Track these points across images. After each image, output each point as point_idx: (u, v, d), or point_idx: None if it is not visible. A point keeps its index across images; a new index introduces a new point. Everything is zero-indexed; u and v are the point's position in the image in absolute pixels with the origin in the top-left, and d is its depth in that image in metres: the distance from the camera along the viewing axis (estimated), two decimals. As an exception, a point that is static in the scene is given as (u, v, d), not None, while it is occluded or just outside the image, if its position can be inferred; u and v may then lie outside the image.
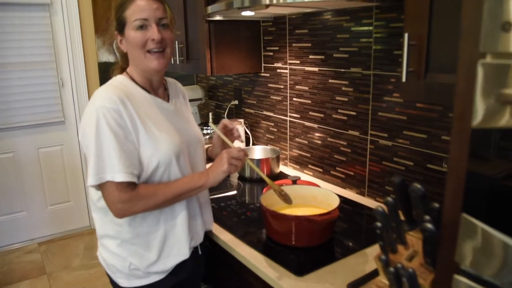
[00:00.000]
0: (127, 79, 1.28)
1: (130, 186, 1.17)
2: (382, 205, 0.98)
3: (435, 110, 1.46)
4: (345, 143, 1.84)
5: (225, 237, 1.45)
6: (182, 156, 1.28)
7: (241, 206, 1.71)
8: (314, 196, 1.54)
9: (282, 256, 1.33)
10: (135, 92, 1.27)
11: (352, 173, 1.84)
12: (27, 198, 3.30)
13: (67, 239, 3.41)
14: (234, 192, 1.89)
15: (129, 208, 1.19)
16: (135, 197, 1.18)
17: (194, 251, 1.37)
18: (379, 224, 0.90)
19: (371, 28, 1.63)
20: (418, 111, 1.52)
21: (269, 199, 1.48)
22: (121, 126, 1.17)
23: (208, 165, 1.44)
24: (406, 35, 1.09)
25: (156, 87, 1.34)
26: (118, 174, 1.15)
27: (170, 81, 1.45)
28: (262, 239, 1.44)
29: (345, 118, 1.82)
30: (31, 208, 3.34)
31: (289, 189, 1.52)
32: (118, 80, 1.28)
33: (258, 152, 2.18)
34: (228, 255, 1.41)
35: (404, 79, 1.11)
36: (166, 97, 1.37)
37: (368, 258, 1.31)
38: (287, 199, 1.43)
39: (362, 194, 1.81)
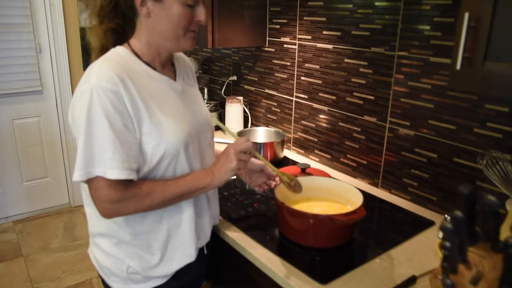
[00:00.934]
0: (129, 52, 1.08)
1: (123, 183, 1.00)
2: (442, 218, 0.84)
3: (468, 99, 1.32)
4: (359, 129, 1.70)
5: (234, 235, 1.30)
6: (191, 145, 1.11)
7: (246, 196, 1.55)
8: (332, 189, 1.40)
9: (299, 258, 1.19)
10: (138, 69, 1.07)
11: (365, 162, 1.70)
12: (0, 173, 3.06)
13: (44, 217, 3.20)
14: (235, 177, 1.73)
15: (119, 209, 1.02)
16: (127, 196, 1.01)
17: (200, 251, 1.22)
18: (448, 244, 0.77)
19: (399, 3, 1.46)
20: (448, 99, 1.38)
21: (284, 192, 1.33)
22: (120, 111, 0.99)
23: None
24: (466, 15, 0.93)
25: (164, 63, 1.15)
26: (110, 170, 0.97)
27: (177, 55, 1.25)
28: (275, 236, 1.30)
29: (361, 102, 1.67)
30: (5, 184, 3.10)
31: (302, 181, 1.37)
32: (118, 53, 1.07)
33: (261, 134, 2.01)
34: (238, 255, 1.27)
35: (459, 66, 0.96)
36: (173, 74, 1.18)
37: (393, 262, 1.19)
38: (296, 189, 1.29)
39: (375, 185, 1.68)
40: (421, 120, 1.46)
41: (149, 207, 1.05)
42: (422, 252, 1.24)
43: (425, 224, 1.40)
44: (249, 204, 1.49)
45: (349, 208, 1.35)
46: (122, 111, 0.99)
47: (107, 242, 1.12)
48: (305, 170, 1.65)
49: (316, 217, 1.19)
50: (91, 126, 0.97)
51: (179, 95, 1.15)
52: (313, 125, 1.91)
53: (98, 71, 1.00)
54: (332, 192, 1.40)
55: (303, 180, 1.39)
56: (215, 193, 1.31)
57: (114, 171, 0.97)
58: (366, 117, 1.66)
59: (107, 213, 1.03)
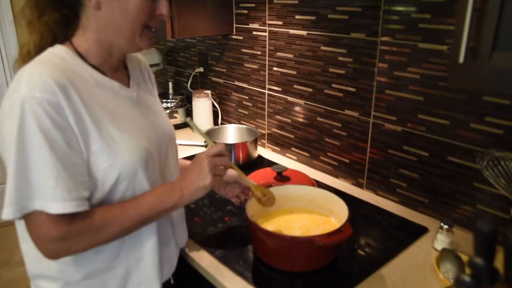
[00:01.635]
0: (71, 53, 0.87)
1: (70, 216, 0.81)
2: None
3: (464, 91, 1.16)
4: (339, 125, 1.53)
5: (203, 261, 1.11)
6: (151, 163, 0.92)
7: (216, 209, 1.37)
8: (312, 198, 1.23)
9: (278, 285, 1.03)
10: (84, 74, 0.87)
11: (347, 161, 1.54)
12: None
13: (6, 226, 2.95)
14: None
15: (67, 247, 0.83)
16: (76, 232, 0.82)
17: (166, 282, 1.04)
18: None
19: (381, -18, 1.27)
20: (441, 91, 1.21)
21: (256, 207, 1.15)
22: (61, 128, 0.79)
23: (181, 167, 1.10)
24: (471, -4, 0.75)
25: (115, 67, 0.94)
26: (53, 203, 0.78)
27: (131, 55, 1.04)
28: (249, 259, 1.12)
29: (340, 94, 1.49)
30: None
31: (280, 191, 1.20)
32: (58, 54, 0.86)
33: (232, 133, 1.82)
34: (208, 284, 1.09)
35: (462, 59, 0.78)
36: (127, 79, 0.98)
37: (385, 284, 1.03)
38: (268, 204, 1.15)
39: (360, 185, 1.52)
40: (409, 114, 1.30)
41: (105, 240, 0.87)
42: (417, 268, 1.09)
43: (418, 231, 1.25)
44: (219, 218, 1.31)
45: (333, 221, 1.18)
46: (64, 128, 0.79)
47: (52, 286, 0.93)
48: (281, 174, 1.47)
49: (295, 239, 1.02)
50: (25, 148, 0.76)
51: (135, 104, 0.95)
52: (289, 120, 1.73)
53: (30, 77, 0.78)
54: (313, 202, 1.23)
55: (280, 189, 1.22)
56: (182, 213, 1.12)
57: (58, 203, 0.78)
58: (347, 112, 1.48)
59: (51, 254, 0.83)
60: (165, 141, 1.01)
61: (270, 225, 1.16)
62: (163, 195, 0.91)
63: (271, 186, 1.24)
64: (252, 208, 1.14)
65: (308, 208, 1.23)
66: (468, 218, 1.23)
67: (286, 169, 1.47)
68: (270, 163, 1.73)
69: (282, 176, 1.48)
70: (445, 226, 1.14)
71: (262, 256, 1.10)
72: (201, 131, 1.09)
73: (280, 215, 1.22)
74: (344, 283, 1.04)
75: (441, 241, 1.15)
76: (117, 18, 0.85)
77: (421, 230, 1.26)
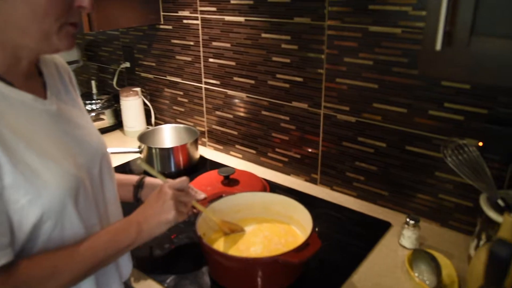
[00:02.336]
0: None
1: (3, 268, 0.63)
2: None
3: (421, 76, 1.08)
4: (287, 118, 1.41)
5: (151, 294, 0.95)
6: (82, 192, 0.74)
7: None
8: (268, 206, 1.11)
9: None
10: None
11: (298, 156, 1.43)
12: None
13: None
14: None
15: None
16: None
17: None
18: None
19: (325, -40, 1.15)
20: (396, 78, 1.13)
21: (209, 221, 1.01)
22: None
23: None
24: (447, -29, 0.65)
25: (26, 74, 0.74)
26: None
27: (45, 57, 0.83)
28: (205, 284, 0.97)
29: (286, 85, 1.37)
30: None
31: (230, 201, 1.07)
32: None
33: (168, 134, 1.64)
34: (160, 321, 0.93)
35: (439, 46, 0.68)
36: (42, 88, 0.77)
37: (360, 294, 0.94)
38: (235, 230, 1.01)
39: (314, 181, 1.42)
40: (364, 103, 1.21)
41: None
42: (388, 271, 1.01)
43: (381, 227, 1.18)
44: (165, 237, 1.14)
45: (295, 230, 1.07)
46: None
47: None
48: (229, 177, 1.33)
49: (257, 261, 0.88)
50: None
51: (55, 119, 0.76)
52: (230, 116, 1.58)
53: None
54: (270, 210, 1.10)
55: (231, 200, 1.09)
56: None
57: None
58: (295, 103, 1.37)
59: None
60: (97, 162, 0.82)
61: (225, 242, 1.02)
62: (118, 232, 0.78)
63: (221, 196, 1.10)
64: (202, 226, 0.99)
65: (265, 217, 1.11)
66: (430, 209, 1.18)
67: (233, 171, 1.33)
68: (214, 164, 1.58)
69: (230, 180, 1.34)
70: (411, 222, 1.07)
71: (220, 280, 0.96)
72: (157, 173, 0.94)
73: (236, 240, 1.08)
74: (315, 300, 0.93)
75: (408, 237, 1.08)
76: (19, 14, 0.65)
77: (384, 226, 1.18)
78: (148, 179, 1.03)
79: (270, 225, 1.08)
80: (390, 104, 1.16)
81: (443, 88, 1.06)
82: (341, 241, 1.12)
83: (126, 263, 0.94)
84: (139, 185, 1.02)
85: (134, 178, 1.03)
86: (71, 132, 0.78)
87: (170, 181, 0.86)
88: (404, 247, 1.09)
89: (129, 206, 0.93)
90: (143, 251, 1.09)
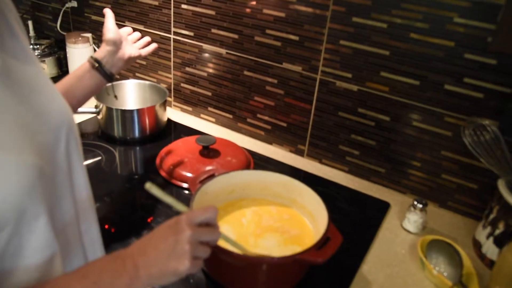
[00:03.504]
0: None
1: None
2: None
3: (443, 45, 0.97)
4: (274, 81, 1.24)
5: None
6: (45, 184, 0.53)
7: (131, 205, 1.02)
8: (267, 186, 0.97)
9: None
10: None
11: (284, 124, 1.28)
12: None
13: None
14: (103, 165, 1.16)
15: None
16: None
17: None
18: None
19: None
20: (412, 45, 1.00)
21: (201, 202, 0.85)
22: None
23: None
24: None
25: None
26: None
27: None
28: (199, 281, 0.83)
29: (278, 43, 1.19)
30: None
31: (221, 181, 0.92)
32: None
33: (130, 91, 1.40)
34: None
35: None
36: None
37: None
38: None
39: (300, 153, 1.29)
40: (370, 71, 1.08)
41: None
42: (398, 260, 0.92)
43: (380, 208, 1.09)
44: (140, 221, 0.97)
45: (297, 213, 0.94)
46: None
47: None
48: (208, 147, 1.16)
49: (271, 262, 0.74)
50: None
51: (1, 81, 0.52)
52: (204, 74, 1.38)
53: None
54: (268, 190, 0.97)
55: (223, 179, 0.93)
56: (96, 231, 0.74)
57: None
58: (286, 65, 1.20)
59: None
60: (62, 139, 0.60)
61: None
62: (103, 276, 0.54)
63: (213, 175, 0.93)
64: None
65: (263, 199, 0.97)
66: (430, 189, 1.11)
67: (214, 141, 1.16)
68: (183, 129, 1.39)
69: (210, 150, 1.17)
70: (419, 205, 0.99)
71: (217, 276, 0.81)
72: (173, 200, 0.65)
73: (228, 213, 0.93)
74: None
75: (414, 221, 1.00)
76: None
77: (383, 207, 1.10)
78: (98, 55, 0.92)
79: (268, 209, 0.95)
80: (401, 75, 1.04)
81: (465, 61, 0.95)
82: (339, 224, 1.00)
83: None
84: (97, 62, 0.90)
85: (85, 64, 0.91)
86: (26, 98, 0.55)
87: (191, 212, 0.60)
88: (408, 231, 1.01)
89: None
90: (115, 240, 0.91)
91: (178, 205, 0.65)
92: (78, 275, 0.54)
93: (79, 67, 0.90)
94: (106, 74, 0.90)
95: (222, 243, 0.69)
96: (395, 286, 0.85)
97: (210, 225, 0.60)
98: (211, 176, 0.93)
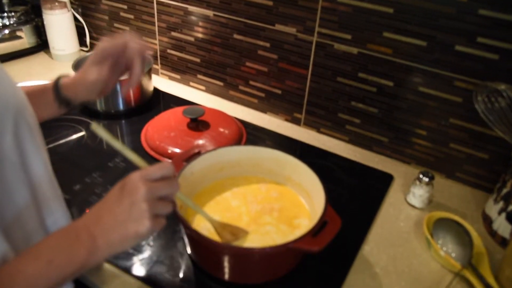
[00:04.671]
0: None
1: None
2: None
3: (452, 1, 0.86)
4: (267, 45, 1.14)
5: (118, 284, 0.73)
6: None
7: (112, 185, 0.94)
8: (258, 162, 0.88)
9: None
10: None
11: (278, 91, 1.19)
12: None
13: None
14: (83, 141, 1.08)
15: None
16: None
17: None
18: None
19: None
20: (419, 1, 0.89)
21: (188, 186, 0.78)
22: None
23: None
24: None
25: None
26: None
27: None
28: (187, 271, 0.76)
29: (269, 3, 1.08)
30: None
31: (209, 158, 0.84)
32: None
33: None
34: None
35: None
36: None
37: (376, 272, 0.78)
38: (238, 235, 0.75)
39: (296, 122, 1.20)
40: (371, 31, 0.97)
41: None
42: (402, 239, 0.86)
43: (382, 180, 1.02)
44: (125, 203, 0.89)
45: (293, 191, 0.87)
46: None
47: None
48: (197, 119, 1.08)
49: (263, 252, 0.67)
50: None
51: None
52: (191, 39, 1.27)
53: None
54: (260, 168, 0.89)
55: (212, 156, 0.85)
56: (63, 211, 0.67)
57: None
58: (279, 27, 1.09)
59: None
60: (7, 127, 0.51)
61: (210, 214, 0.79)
62: (57, 253, 0.49)
63: (198, 153, 0.85)
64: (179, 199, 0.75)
65: (254, 176, 0.89)
66: (436, 159, 1.02)
67: (203, 112, 1.07)
68: (171, 99, 1.30)
69: (199, 122, 1.09)
70: (425, 179, 0.91)
71: (206, 266, 0.75)
72: (122, 146, 0.59)
73: (218, 193, 0.86)
74: (328, 283, 0.76)
75: (420, 196, 0.92)
76: None
77: (386, 179, 1.02)
78: (65, 80, 0.74)
79: (255, 186, 0.87)
80: (407, 35, 0.93)
81: (479, 18, 0.84)
82: (338, 198, 0.94)
83: None
84: (57, 82, 0.74)
85: (50, 83, 0.75)
86: None
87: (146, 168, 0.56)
88: (413, 206, 0.94)
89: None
90: (98, 225, 0.84)
91: (127, 152, 0.59)
92: (30, 257, 0.49)
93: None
94: (60, 98, 0.73)
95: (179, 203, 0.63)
96: (399, 269, 0.79)
97: (166, 178, 0.55)
98: (197, 154, 0.85)
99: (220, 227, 0.73)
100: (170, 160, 0.56)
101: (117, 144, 0.58)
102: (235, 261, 0.70)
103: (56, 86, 0.73)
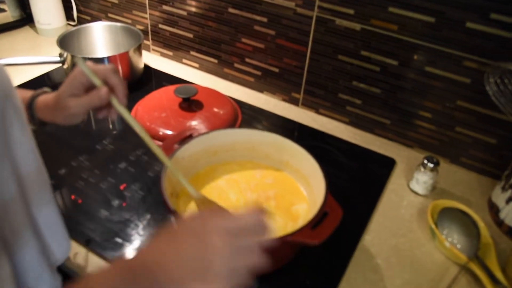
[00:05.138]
0: None
1: None
2: None
3: (466, -28, 0.79)
4: (264, 20, 1.07)
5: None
6: None
7: (101, 169, 0.89)
8: (254, 146, 0.83)
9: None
10: None
11: (276, 70, 1.13)
12: None
13: None
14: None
15: None
16: None
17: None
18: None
19: None
20: (429, -28, 0.82)
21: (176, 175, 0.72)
22: None
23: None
24: None
25: None
26: None
27: None
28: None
29: (267, -25, 1.01)
30: None
31: (203, 142, 0.79)
32: None
33: (99, 36, 1.22)
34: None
35: None
36: None
37: (378, 263, 0.74)
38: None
39: (294, 102, 1.15)
40: (375, 6, 0.90)
41: None
42: (404, 227, 0.82)
43: (384, 164, 0.97)
44: (111, 189, 0.84)
45: (290, 177, 0.82)
46: None
47: None
48: (189, 99, 1.02)
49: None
50: None
51: None
52: (183, 13, 1.20)
53: None
54: (255, 152, 0.84)
55: (205, 140, 0.80)
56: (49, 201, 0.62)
57: None
58: (276, 0, 1.02)
59: None
60: None
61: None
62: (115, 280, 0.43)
63: (190, 136, 0.80)
64: (169, 183, 0.70)
65: (250, 161, 0.84)
66: (441, 143, 0.98)
67: (196, 92, 1.01)
68: (163, 77, 1.24)
69: (191, 102, 1.03)
70: (430, 164, 0.86)
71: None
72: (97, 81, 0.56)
73: (211, 179, 0.81)
74: (326, 276, 0.72)
75: (424, 182, 0.88)
76: None
77: (388, 164, 0.97)
78: (44, 96, 0.67)
79: (250, 172, 0.82)
80: (414, 10, 0.87)
81: (493, -8, 0.78)
82: (338, 184, 0.89)
83: (60, 244, 0.64)
84: (31, 103, 0.67)
85: (28, 93, 0.69)
86: None
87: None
88: (416, 193, 0.90)
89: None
90: (84, 214, 0.79)
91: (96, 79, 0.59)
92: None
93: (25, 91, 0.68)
94: (35, 120, 0.67)
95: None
96: (402, 260, 0.75)
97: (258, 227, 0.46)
98: (189, 137, 0.80)
99: (201, 202, 0.67)
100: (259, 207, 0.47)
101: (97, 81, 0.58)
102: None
103: (31, 107, 0.66)
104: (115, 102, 0.61)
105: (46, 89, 0.70)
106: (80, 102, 0.62)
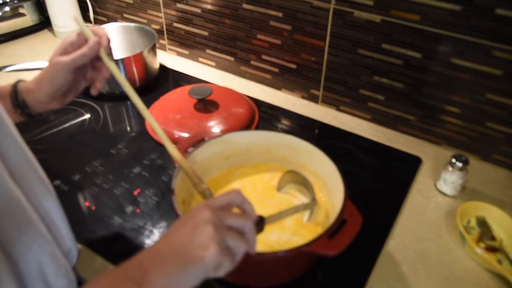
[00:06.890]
0: None
1: None
2: None
3: (494, -46, 0.73)
4: (279, 15, 1.03)
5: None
6: None
7: (116, 175, 0.87)
8: (270, 149, 0.80)
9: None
10: None
11: (293, 66, 1.09)
12: None
13: None
14: (89, 129, 1.01)
15: None
16: None
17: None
18: None
19: None
20: (454, -43, 0.76)
21: (185, 183, 0.70)
22: None
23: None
24: None
25: None
26: None
27: None
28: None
29: (280, -32, 0.97)
30: None
31: (215, 145, 0.76)
32: None
33: (115, 37, 1.21)
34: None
35: None
36: None
37: (403, 271, 0.70)
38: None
39: (314, 99, 1.10)
40: (396, -4, 0.85)
41: None
42: (431, 231, 0.77)
43: (410, 163, 0.92)
44: (125, 194, 0.83)
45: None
46: None
47: None
48: (204, 100, 0.99)
49: (275, 257, 0.59)
50: None
51: None
52: (198, 10, 1.17)
53: None
54: (271, 154, 0.80)
55: (217, 143, 0.77)
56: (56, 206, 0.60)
57: None
58: (292, -6, 0.98)
59: None
60: None
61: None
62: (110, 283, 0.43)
63: (203, 140, 0.77)
64: (182, 188, 0.68)
65: (264, 164, 0.81)
66: (470, 139, 0.92)
67: (210, 92, 0.98)
68: (179, 77, 1.21)
69: (207, 103, 1.00)
70: (458, 164, 0.81)
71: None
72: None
73: (224, 184, 0.78)
74: (347, 286, 0.68)
75: (452, 183, 0.82)
76: None
77: (413, 163, 0.92)
78: (25, 83, 0.67)
79: (261, 175, 0.79)
80: (438, -1, 0.81)
81: (526, -25, 0.71)
82: (360, 185, 0.84)
83: (66, 235, 0.61)
84: (15, 88, 0.66)
85: (7, 87, 0.67)
86: None
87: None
88: (444, 194, 0.84)
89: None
90: (97, 221, 0.78)
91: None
92: None
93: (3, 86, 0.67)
94: (17, 103, 0.65)
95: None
96: (429, 267, 0.70)
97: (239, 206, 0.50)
98: (201, 141, 0.77)
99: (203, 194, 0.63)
100: (238, 190, 0.49)
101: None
102: (243, 265, 0.63)
103: (16, 91, 0.65)
104: (103, 54, 0.63)
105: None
106: (71, 56, 0.63)
